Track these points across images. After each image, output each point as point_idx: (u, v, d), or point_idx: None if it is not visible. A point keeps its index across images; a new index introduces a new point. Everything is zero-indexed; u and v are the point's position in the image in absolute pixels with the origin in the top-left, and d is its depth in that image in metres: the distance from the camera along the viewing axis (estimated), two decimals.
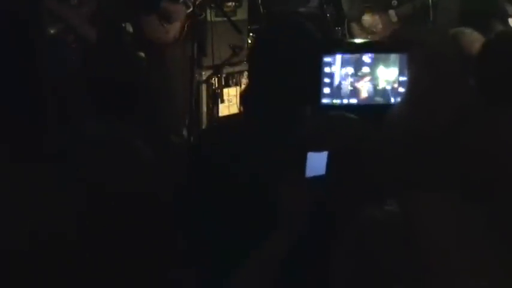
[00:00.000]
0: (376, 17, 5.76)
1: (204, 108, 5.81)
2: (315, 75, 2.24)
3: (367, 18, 5.77)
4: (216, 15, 5.60)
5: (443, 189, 1.70)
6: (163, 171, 1.80)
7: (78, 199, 1.60)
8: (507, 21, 5.47)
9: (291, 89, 2.25)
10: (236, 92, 5.85)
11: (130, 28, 5.45)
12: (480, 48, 3.11)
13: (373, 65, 1.70)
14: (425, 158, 1.64)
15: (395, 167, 1.67)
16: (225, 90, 5.90)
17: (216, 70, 5.74)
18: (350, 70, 1.72)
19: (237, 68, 5.87)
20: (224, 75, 5.90)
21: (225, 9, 5.64)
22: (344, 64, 1.76)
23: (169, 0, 5.27)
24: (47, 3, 4.53)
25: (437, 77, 1.63)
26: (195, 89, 5.29)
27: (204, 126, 5.60)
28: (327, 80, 1.93)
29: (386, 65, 1.66)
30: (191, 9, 5.10)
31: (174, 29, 5.29)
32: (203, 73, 5.79)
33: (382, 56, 1.71)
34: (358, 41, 1.63)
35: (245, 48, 5.59)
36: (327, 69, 1.93)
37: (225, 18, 5.42)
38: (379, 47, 1.61)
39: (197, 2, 5.06)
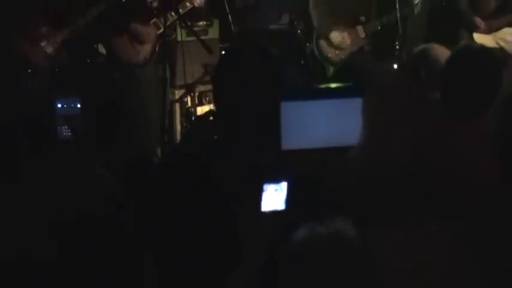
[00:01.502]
0: (345, 34, 5.81)
1: (178, 127, 5.84)
2: (274, 118, 2.23)
3: (335, 35, 5.82)
4: (188, 35, 5.64)
5: (406, 223, 1.73)
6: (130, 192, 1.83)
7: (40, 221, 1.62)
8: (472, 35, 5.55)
9: (248, 129, 2.26)
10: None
11: (103, 50, 5.49)
12: (444, 63, 3.19)
13: (330, 110, 1.68)
14: (386, 194, 1.66)
15: (357, 203, 1.69)
16: (199, 109, 5.95)
17: (189, 89, 5.78)
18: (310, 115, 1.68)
19: (209, 87, 5.91)
20: (197, 94, 5.95)
21: (196, 28, 5.69)
22: (303, 110, 1.72)
23: (140, 22, 5.30)
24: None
25: (392, 118, 1.65)
26: (168, 108, 5.32)
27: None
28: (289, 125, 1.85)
29: (345, 109, 1.65)
30: (162, 30, 5.13)
31: (145, 50, 5.32)
32: (176, 92, 5.83)
33: (341, 100, 1.68)
34: (315, 87, 1.59)
35: None
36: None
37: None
38: (337, 92, 1.60)
39: (168, 23, 5.09)
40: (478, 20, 5.54)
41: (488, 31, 5.48)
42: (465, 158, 2.83)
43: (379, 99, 1.60)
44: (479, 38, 5.50)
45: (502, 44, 5.42)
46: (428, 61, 3.94)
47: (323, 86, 1.63)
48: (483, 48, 3.42)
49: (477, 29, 5.54)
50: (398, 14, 5.36)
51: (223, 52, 6.04)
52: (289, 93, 1.70)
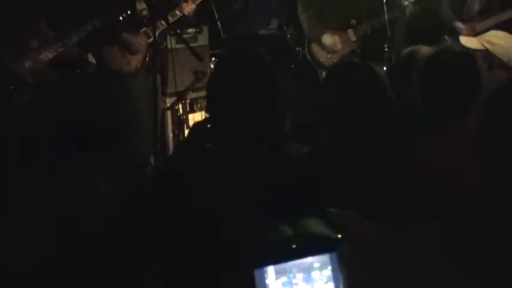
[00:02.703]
0: (336, 37, 5.83)
1: (170, 135, 5.86)
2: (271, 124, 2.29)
3: (327, 38, 5.83)
4: (177, 42, 5.66)
5: None
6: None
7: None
8: (457, 38, 5.57)
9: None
10: (201, 117, 5.90)
11: (92, 60, 5.51)
12: (424, 66, 3.23)
13: (307, 269, 1.55)
14: None
15: None
16: (190, 116, 5.96)
17: (180, 96, 5.80)
18: (283, 279, 1.54)
19: (200, 94, 5.94)
20: (188, 101, 5.97)
21: (186, 36, 5.71)
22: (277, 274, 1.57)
23: (130, 31, 5.33)
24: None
25: (372, 267, 1.63)
26: (159, 117, 5.34)
27: (170, 153, 5.64)
28: None
29: (320, 267, 1.55)
30: (152, 38, 5.16)
31: (136, 58, 5.35)
32: (167, 100, 5.85)
33: (314, 258, 1.55)
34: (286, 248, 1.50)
35: (208, 73, 5.63)
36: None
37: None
38: (310, 250, 1.50)
39: (158, 32, 5.11)
40: (459, 25, 5.56)
41: (473, 34, 5.50)
42: (453, 159, 2.86)
43: (356, 250, 1.57)
44: (464, 39, 5.52)
45: (488, 46, 5.43)
46: (416, 63, 3.97)
47: (294, 245, 1.47)
48: (458, 51, 3.46)
49: (459, 34, 5.55)
50: (386, 16, 5.37)
51: (213, 59, 6.07)
52: (263, 259, 1.54)
